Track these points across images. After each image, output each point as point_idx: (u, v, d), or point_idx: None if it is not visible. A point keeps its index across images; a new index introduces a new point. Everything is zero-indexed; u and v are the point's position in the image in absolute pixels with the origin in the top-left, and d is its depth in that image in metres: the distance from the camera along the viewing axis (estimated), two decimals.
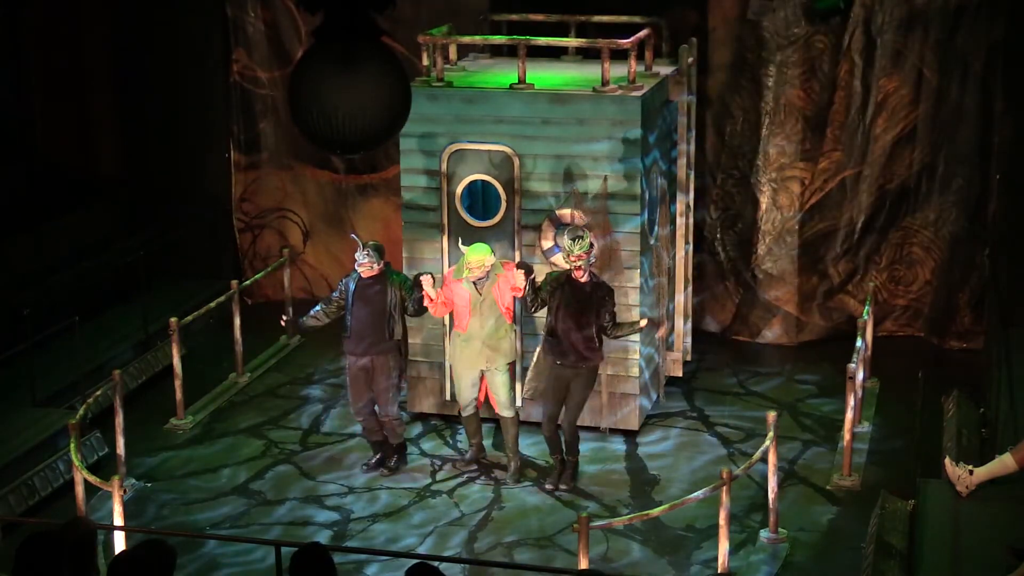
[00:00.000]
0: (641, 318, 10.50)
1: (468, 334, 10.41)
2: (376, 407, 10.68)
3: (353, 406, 10.77)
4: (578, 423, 10.44)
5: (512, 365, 10.65)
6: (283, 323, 11.22)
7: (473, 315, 10.36)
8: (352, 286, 10.52)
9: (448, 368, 11.19)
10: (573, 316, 10.06)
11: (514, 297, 10.48)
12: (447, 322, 10.98)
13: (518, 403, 11.05)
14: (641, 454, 11.04)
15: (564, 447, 10.42)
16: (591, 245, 10.08)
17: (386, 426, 10.77)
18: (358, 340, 10.50)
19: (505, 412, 10.52)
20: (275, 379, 12.70)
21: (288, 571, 5.99)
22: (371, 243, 10.60)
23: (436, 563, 6.16)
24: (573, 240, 10.02)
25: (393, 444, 10.85)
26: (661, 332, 11.58)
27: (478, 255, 10.31)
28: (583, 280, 10.08)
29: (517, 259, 11.02)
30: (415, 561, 6.27)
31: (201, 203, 14.31)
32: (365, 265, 10.44)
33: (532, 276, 10.19)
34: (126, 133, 14.54)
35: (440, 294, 10.42)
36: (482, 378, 10.56)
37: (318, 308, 10.77)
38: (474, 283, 10.35)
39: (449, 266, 11.06)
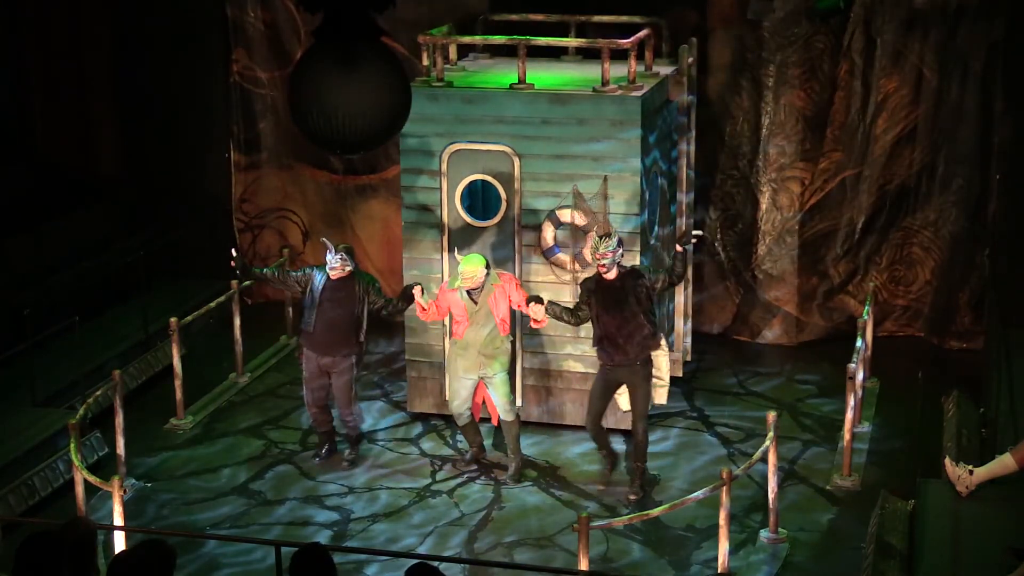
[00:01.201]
0: (682, 240, 10.33)
1: (464, 342, 10.41)
2: (336, 405, 10.89)
3: (311, 403, 10.88)
4: (577, 424, 10.45)
5: (511, 371, 10.63)
6: (232, 261, 11.15)
7: (469, 324, 10.35)
8: (319, 284, 10.57)
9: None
10: (616, 316, 10.01)
11: (511, 309, 10.45)
12: (447, 322, 10.98)
13: (518, 403, 11.07)
14: None
15: (634, 453, 10.37)
16: (619, 243, 10.03)
17: (347, 425, 10.94)
18: (322, 340, 10.60)
19: (506, 416, 10.51)
20: (275, 379, 12.70)
21: (288, 571, 5.99)
22: (343, 246, 10.66)
23: (436, 563, 6.16)
24: (600, 238, 9.98)
25: (352, 436, 11.03)
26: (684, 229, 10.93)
27: (471, 266, 10.25)
28: (612, 277, 10.04)
29: (517, 260, 11.03)
30: (415, 561, 6.26)
31: (201, 203, 14.32)
32: (337, 268, 10.51)
33: (546, 303, 10.17)
34: (126, 133, 14.54)
35: (432, 304, 10.42)
36: (479, 385, 10.56)
37: (271, 271, 10.95)
38: (469, 293, 10.32)
39: (449, 269, 11.08)
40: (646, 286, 10.02)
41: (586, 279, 10.28)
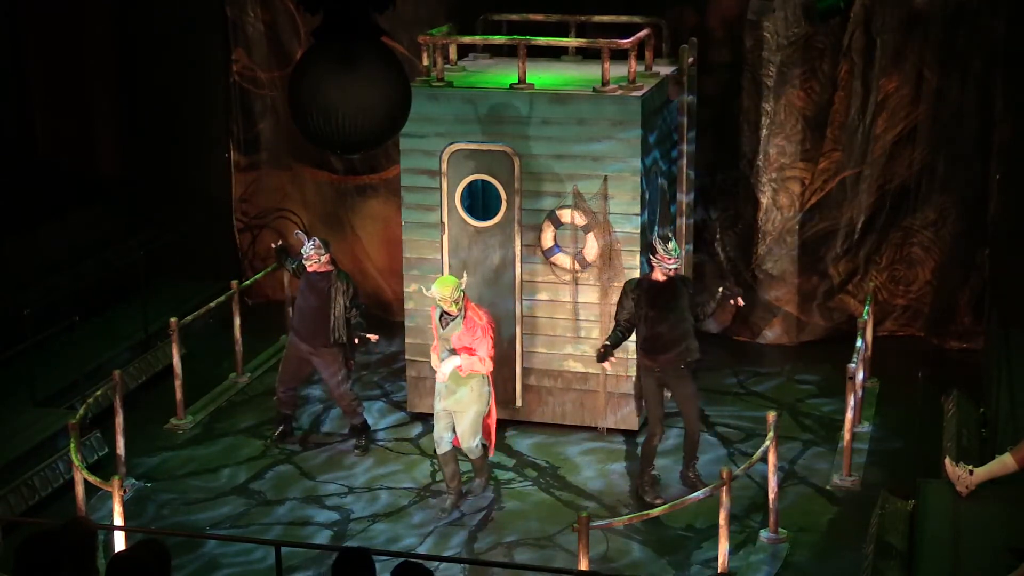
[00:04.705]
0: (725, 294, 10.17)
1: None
2: (330, 394, 11.38)
3: (280, 383, 11.31)
4: (577, 424, 10.45)
5: (478, 413, 10.01)
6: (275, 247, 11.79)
7: (440, 348, 10.00)
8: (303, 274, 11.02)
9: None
10: (668, 316, 9.93)
11: (485, 344, 9.85)
12: None
13: (518, 403, 11.07)
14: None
15: (684, 459, 10.37)
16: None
17: (344, 411, 11.26)
18: (299, 328, 11.03)
19: (469, 454, 10.21)
20: (275, 379, 12.65)
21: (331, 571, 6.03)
22: (317, 239, 10.96)
23: (435, 563, 6.16)
24: (666, 241, 9.89)
25: (357, 424, 11.23)
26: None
27: (443, 289, 9.79)
28: (663, 278, 9.96)
29: (517, 260, 11.03)
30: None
31: (201, 203, 14.32)
32: (312, 258, 10.82)
33: (600, 348, 10.01)
34: (126, 133, 14.54)
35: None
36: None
37: (290, 266, 11.43)
38: (441, 317, 9.95)
39: (448, 269, 11.08)
40: (690, 293, 10.03)
41: (632, 280, 10.13)
